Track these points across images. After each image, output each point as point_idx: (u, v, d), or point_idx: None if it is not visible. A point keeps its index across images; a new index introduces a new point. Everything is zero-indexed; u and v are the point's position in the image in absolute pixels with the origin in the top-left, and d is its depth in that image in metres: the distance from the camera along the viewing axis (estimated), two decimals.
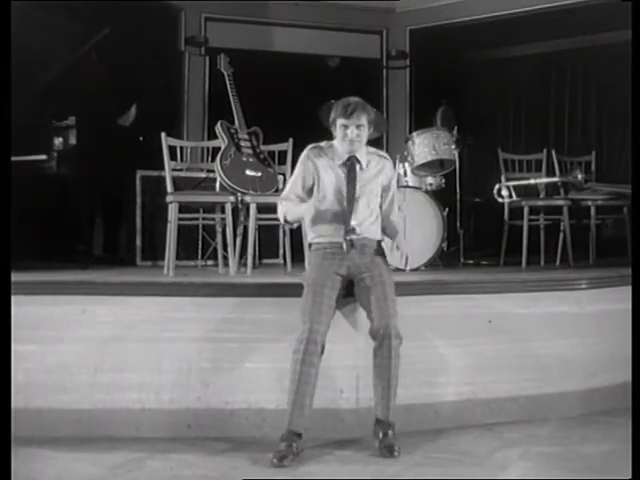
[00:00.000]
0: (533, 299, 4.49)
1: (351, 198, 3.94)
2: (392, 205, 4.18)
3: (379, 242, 4.06)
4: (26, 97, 5.70)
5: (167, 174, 5.25)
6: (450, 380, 4.25)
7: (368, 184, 4.01)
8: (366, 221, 3.98)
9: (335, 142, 4.03)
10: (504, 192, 6.46)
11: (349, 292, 3.93)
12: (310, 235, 4.05)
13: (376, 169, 4.06)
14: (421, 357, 4.14)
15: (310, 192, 4.03)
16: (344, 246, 3.89)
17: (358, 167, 4.00)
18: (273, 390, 4.04)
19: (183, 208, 5.29)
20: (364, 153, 4.03)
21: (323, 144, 4.08)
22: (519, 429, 4.14)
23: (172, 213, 5.18)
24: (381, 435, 3.69)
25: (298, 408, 3.63)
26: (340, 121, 3.91)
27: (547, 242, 6.61)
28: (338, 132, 3.95)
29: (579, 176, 6.39)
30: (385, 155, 4.17)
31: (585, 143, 8.55)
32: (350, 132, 3.90)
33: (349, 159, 3.98)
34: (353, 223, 3.91)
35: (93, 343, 4.11)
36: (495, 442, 3.94)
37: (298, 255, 5.43)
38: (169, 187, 5.24)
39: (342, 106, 3.91)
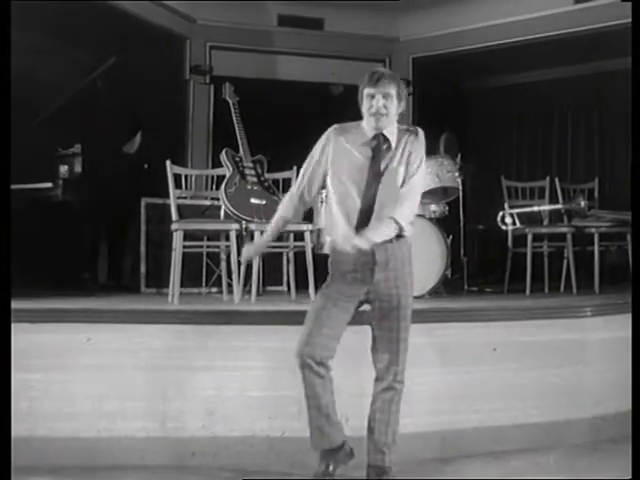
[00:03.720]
0: (538, 327, 4.48)
1: (372, 187, 3.47)
2: (404, 195, 3.49)
3: (404, 239, 3.55)
4: (32, 125, 5.76)
5: (172, 202, 5.27)
6: (456, 408, 4.24)
7: (395, 167, 3.50)
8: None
9: (363, 121, 3.56)
10: (508, 219, 6.47)
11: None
12: (327, 237, 3.72)
13: (402, 147, 3.53)
14: (426, 385, 4.13)
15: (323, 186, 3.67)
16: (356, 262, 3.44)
17: (385, 146, 3.51)
18: (278, 418, 4.04)
19: (188, 235, 5.29)
20: (394, 131, 3.54)
21: (350, 123, 3.62)
22: (525, 457, 4.13)
23: (177, 241, 5.18)
24: (375, 475, 3.59)
25: (314, 429, 3.55)
26: (366, 90, 3.45)
27: (551, 269, 6.62)
28: (364, 104, 3.48)
29: (582, 203, 6.40)
30: (414, 128, 3.62)
31: (588, 170, 8.57)
32: (376, 102, 3.43)
33: (375, 137, 3.51)
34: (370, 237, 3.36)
35: (97, 371, 4.10)
36: (501, 470, 3.93)
37: (302, 282, 5.43)
38: (174, 215, 5.25)
39: (368, 75, 3.47)
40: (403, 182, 3.50)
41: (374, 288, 3.52)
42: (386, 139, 3.51)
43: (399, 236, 3.52)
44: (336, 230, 3.57)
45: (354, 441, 3.68)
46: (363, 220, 3.47)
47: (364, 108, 3.49)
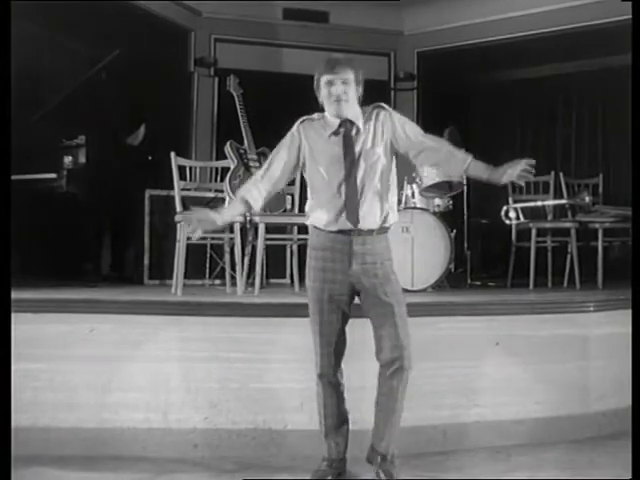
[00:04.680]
0: (541, 321, 4.49)
1: (351, 174, 3.43)
2: (417, 136, 3.56)
3: (386, 231, 3.56)
4: (37, 116, 5.76)
5: (176, 193, 5.27)
6: (458, 402, 4.25)
7: (370, 150, 3.48)
8: (372, 206, 3.48)
9: (326, 112, 3.53)
10: (512, 214, 6.47)
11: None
12: (308, 221, 3.62)
13: (374, 126, 3.51)
14: (429, 379, 4.13)
15: (290, 174, 3.62)
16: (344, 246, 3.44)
17: (354, 131, 3.48)
18: (281, 410, 4.05)
19: None
20: (359, 114, 3.51)
21: (314, 116, 3.59)
22: (527, 452, 4.14)
23: (181, 232, 5.19)
24: (379, 460, 3.55)
25: (329, 438, 3.61)
26: (324, 78, 3.43)
27: (554, 264, 6.61)
28: (323, 92, 3.46)
29: (586, 198, 6.39)
30: (379, 104, 3.59)
31: (592, 165, 8.56)
32: (335, 89, 3.41)
33: (341, 124, 3.47)
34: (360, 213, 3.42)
35: (100, 362, 4.11)
36: (502, 465, 3.93)
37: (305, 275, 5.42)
38: (178, 206, 5.26)
39: (325, 61, 3.46)
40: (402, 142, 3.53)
41: (356, 280, 3.48)
42: (352, 123, 3.48)
43: (382, 229, 3.51)
44: (321, 221, 3.52)
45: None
46: (353, 208, 3.43)
47: (323, 96, 3.48)
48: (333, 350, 3.53)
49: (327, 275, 3.50)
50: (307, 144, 3.54)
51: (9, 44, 3.39)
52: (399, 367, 3.45)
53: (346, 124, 3.47)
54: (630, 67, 3.95)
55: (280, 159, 3.60)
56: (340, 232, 3.47)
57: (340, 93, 3.41)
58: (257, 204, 3.60)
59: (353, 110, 3.49)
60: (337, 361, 3.56)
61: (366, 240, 3.47)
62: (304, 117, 3.60)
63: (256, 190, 3.59)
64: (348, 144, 3.45)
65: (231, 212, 3.76)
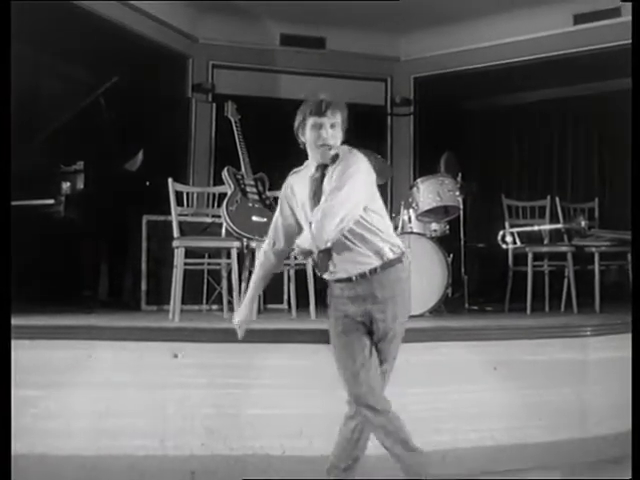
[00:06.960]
0: (538, 346, 4.49)
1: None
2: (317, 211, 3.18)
3: (386, 268, 3.24)
4: (35, 142, 5.78)
5: (174, 219, 5.28)
6: (457, 427, 4.24)
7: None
8: (349, 251, 3.23)
9: (309, 160, 3.35)
10: (508, 238, 6.47)
11: None
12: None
13: (334, 167, 3.24)
14: (427, 404, 4.13)
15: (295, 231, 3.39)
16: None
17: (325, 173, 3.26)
18: (278, 436, 4.03)
19: (189, 253, 5.29)
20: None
21: (302, 166, 3.41)
22: (526, 476, 4.12)
23: (178, 258, 5.18)
24: None
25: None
26: (312, 120, 3.19)
27: (551, 288, 6.62)
28: (309, 135, 3.22)
29: (582, 223, 6.41)
30: (348, 148, 3.30)
31: (588, 190, 8.59)
32: (325, 132, 3.17)
33: (317, 169, 3.27)
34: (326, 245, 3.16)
35: (98, 388, 4.10)
36: None
37: (303, 300, 5.43)
38: (175, 232, 5.26)
39: (313, 103, 3.20)
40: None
41: (363, 319, 3.29)
42: (326, 166, 3.27)
43: (379, 268, 3.24)
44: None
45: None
46: (322, 258, 3.29)
47: (309, 140, 3.25)
48: (353, 372, 3.23)
49: (338, 313, 3.35)
50: (292, 192, 3.40)
51: (9, 69, 3.42)
52: (359, 408, 3.25)
53: (322, 168, 3.28)
54: (625, 91, 3.98)
55: (275, 225, 3.50)
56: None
57: (329, 138, 3.19)
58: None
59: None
60: (366, 387, 3.22)
61: (356, 285, 3.26)
62: (294, 169, 3.47)
63: (268, 262, 3.59)
64: (318, 187, 3.25)
65: (253, 292, 3.79)
